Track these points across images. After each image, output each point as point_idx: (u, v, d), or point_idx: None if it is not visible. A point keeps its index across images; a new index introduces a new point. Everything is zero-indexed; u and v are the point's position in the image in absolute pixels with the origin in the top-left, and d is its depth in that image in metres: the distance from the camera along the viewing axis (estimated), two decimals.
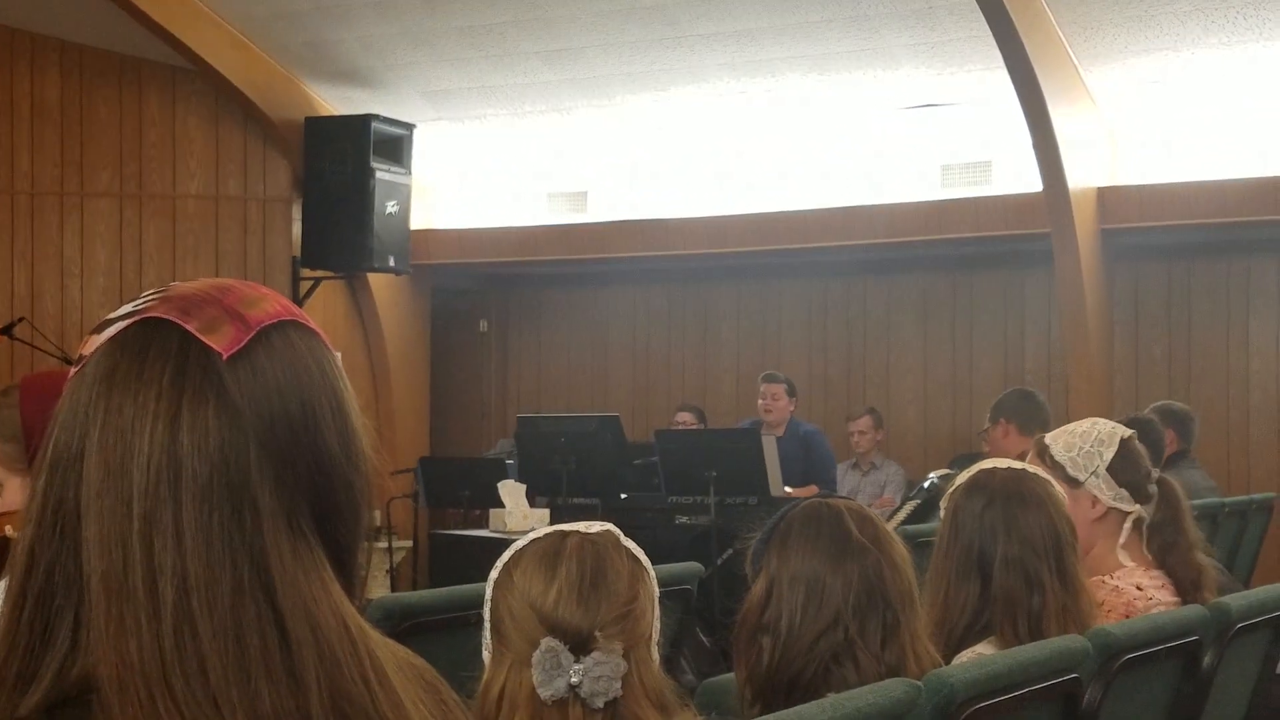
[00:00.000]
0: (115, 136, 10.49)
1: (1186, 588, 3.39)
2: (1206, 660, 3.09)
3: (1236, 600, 3.25)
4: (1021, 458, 3.50)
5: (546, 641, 1.91)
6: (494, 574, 2.03)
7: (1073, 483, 3.37)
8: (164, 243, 10.56)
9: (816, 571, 2.43)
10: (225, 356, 1.12)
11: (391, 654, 1.17)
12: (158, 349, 1.12)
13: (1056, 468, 3.41)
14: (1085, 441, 3.51)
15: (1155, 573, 3.44)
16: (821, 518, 2.49)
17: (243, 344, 1.13)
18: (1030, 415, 6.37)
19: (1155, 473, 3.54)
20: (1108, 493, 3.45)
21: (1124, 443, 3.51)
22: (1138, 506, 3.45)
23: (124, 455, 1.10)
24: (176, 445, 1.10)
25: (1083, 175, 8.94)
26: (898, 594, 2.43)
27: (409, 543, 10.39)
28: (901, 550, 2.49)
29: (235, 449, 1.11)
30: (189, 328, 1.13)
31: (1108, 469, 3.46)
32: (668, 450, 8.22)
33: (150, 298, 1.17)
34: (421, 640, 3.11)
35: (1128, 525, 3.43)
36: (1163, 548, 3.43)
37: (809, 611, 2.41)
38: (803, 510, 2.52)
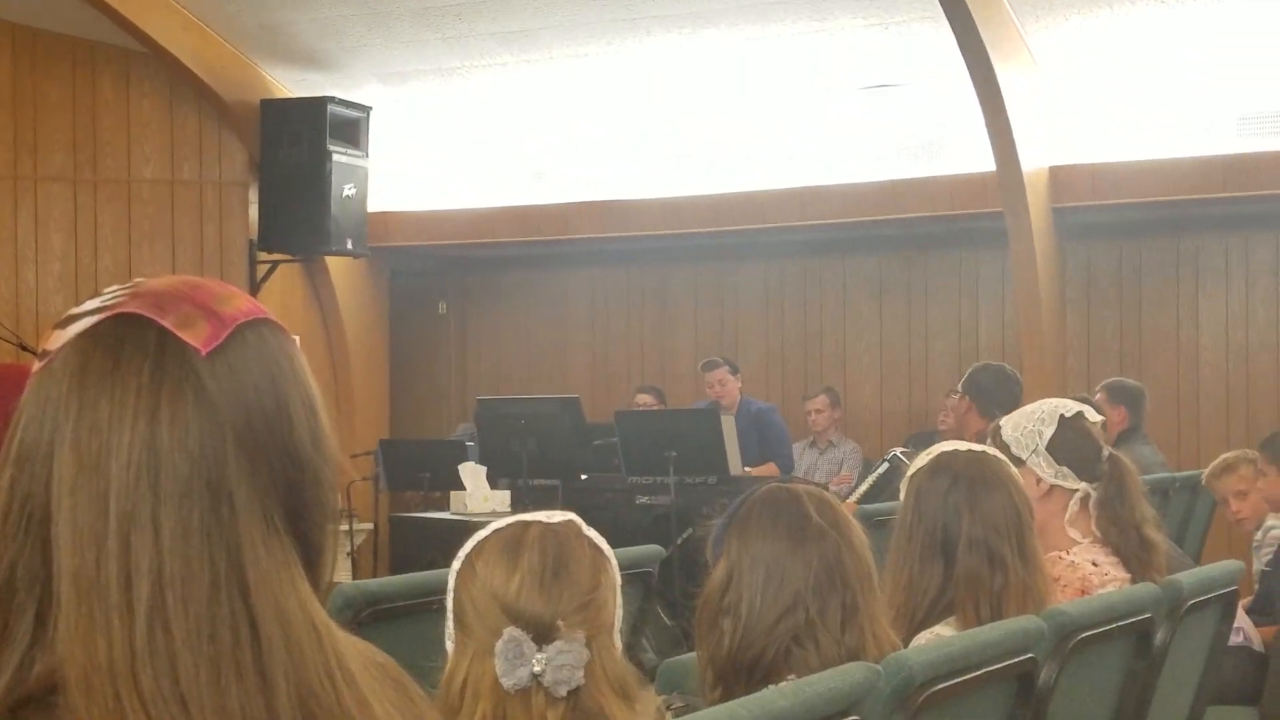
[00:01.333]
0: (69, 120, 10.40)
1: (1133, 563, 3.44)
2: (1159, 637, 3.14)
3: (1187, 578, 3.30)
4: (978, 437, 3.55)
5: (509, 631, 1.92)
6: (456, 564, 2.04)
7: (1017, 461, 3.42)
8: (119, 227, 10.49)
9: (776, 555, 2.45)
10: (204, 353, 1.12)
11: (357, 652, 1.17)
12: (133, 344, 1.12)
13: (1004, 447, 3.47)
14: (1029, 421, 3.59)
15: (1109, 549, 3.50)
16: (781, 502, 2.52)
17: (220, 341, 1.14)
18: (991, 397, 6.43)
19: (1106, 450, 3.59)
20: (1048, 470, 3.51)
21: (1065, 420, 3.57)
22: (1083, 484, 3.51)
23: (100, 451, 1.09)
24: (156, 441, 1.09)
25: (1035, 154, 9.01)
26: (856, 577, 2.46)
27: (369, 525, 10.38)
28: (860, 534, 2.53)
29: (214, 445, 1.10)
30: (165, 323, 1.13)
31: (1047, 447, 3.53)
32: (628, 431, 8.25)
33: (119, 293, 1.16)
34: (383, 627, 3.12)
35: (1073, 502, 3.49)
36: (1110, 523, 3.48)
37: (769, 594, 2.44)
38: (763, 495, 2.55)
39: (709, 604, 2.49)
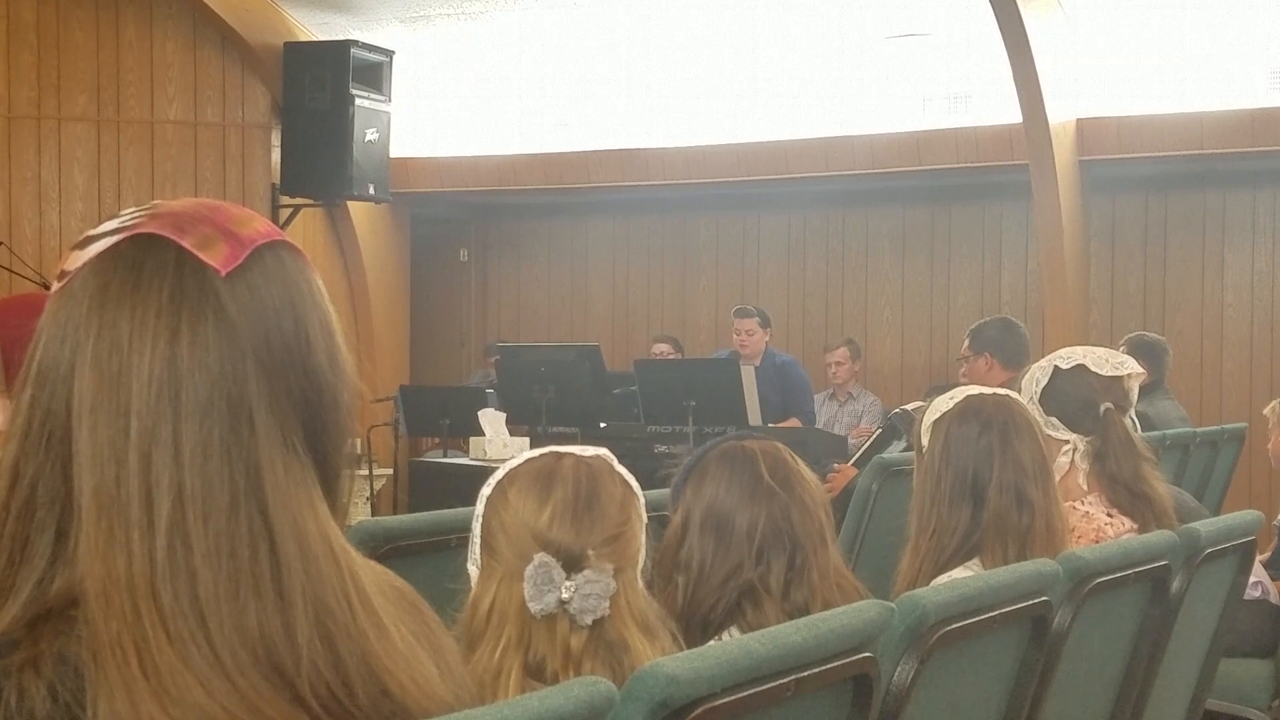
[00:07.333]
0: (92, 61, 10.40)
1: (1132, 513, 3.45)
2: (1175, 585, 3.13)
3: (1205, 526, 3.29)
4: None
5: (540, 556, 1.94)
6: (487, 490, 2.05)
7: None
8: (142, 168, 10.51)
9: (725, 514, 2.48)
10: (223, 274, 1.13)
11: (374, 576, 1.18)
12: (153, 265, 1.12)
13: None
14: (1037, 369, 3.61)
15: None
16: (735, 459, 2.53)
17: (239, 262, 1.14)
18: (1013, 348, 6.40)
19: (1104, 405, 3.57)
20: (1038, 419, 3.52)
21: (1060, 371, 3.58)
22: (1074, 436, 3.52)
23: (121, 370, 1.09)
24: (177, 361, 1.10)
25: (1062, 106, 8.94)
26: (806, 534, 2.47)
27: (389, 470, 10.43)
28: (814, 491, 2.54)
29: (233, 365, 1.11)
30: (184, 244, 1.13)
31: (1040, 398, 3.54)
32: (647, 380, 8.23)
33: (137, 214, 1.17)
34: (400, 563, 3.13)
35: (1063, 453, 3.49)
36: (1097, 478, 3.49)
37: (718, 554, 2.46)
38: (720, 449, 2.56)
39: (665, 557, 2.50)
